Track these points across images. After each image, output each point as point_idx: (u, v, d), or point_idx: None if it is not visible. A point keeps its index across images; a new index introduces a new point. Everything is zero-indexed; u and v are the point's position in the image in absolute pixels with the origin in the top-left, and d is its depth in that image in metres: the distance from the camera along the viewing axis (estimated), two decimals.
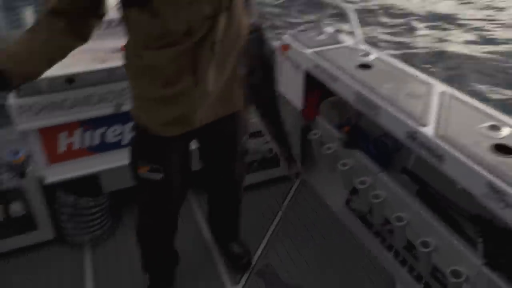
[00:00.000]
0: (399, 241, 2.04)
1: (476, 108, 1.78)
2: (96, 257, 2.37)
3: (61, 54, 1.43)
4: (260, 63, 1.28)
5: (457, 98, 1.87)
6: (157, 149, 1.67)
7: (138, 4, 1.32)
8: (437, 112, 1.75)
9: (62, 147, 2.24)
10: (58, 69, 1.52)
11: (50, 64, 1.41)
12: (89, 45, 1.51)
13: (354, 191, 2.47)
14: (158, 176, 1.69)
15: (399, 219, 1.93)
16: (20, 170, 1.61)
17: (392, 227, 2.03)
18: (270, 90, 1.36)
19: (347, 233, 2.47)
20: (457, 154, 1.52)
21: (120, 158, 2.30)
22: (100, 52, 1.54)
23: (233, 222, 2.28)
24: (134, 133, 1.72)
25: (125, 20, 1.42)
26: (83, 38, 1.47)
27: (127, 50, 1.53)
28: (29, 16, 2.27)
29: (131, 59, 1.53)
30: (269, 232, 2.52)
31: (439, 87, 1.97)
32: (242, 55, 1.31)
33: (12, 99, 2.05)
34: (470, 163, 1.48)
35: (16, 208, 2.27)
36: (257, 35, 1.24)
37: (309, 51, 2.44)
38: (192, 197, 2.75)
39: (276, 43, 2.83)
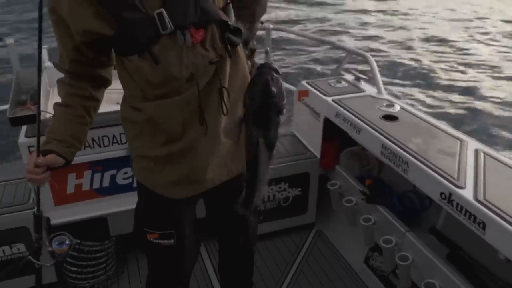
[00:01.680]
0: None
1: None
2: None
3: (96, 107, 1.45)
4: (263, 100, 1.12)
5: (492, 157, 1.74)
6: (166, 213, 1.52)
7: (138, 51, 1.21)
8: (474, 173, 1.62)
9: (70, 188, 2.15)
10: None
11: (89, 125, 1.44)
12: None
13: (374, 249, 2.31)
14: (169, 242, 1.53)
15: (431, 286, 1.77)
16: (60, 258, 1.57)
17: None
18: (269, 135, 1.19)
19: None
20: (500, 222, 1.38)
21: (129, 202, 2.16)
22: (114, 93, 1.46)
23: (244, 277, 2.13)
24: (139, 195, 1.57)
25: (123, 70, 1.31)
26: (107, 83, 1.44)
27: (124, 105, 1.42)
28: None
29: (129, 115, 1.40)
30: (284, 285, 2.35)
31: (472, 143, 1.85)
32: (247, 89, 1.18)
33: (22, 138, 1.98)
34: None
35: (20, 248, 2.17)
36: (264, 70, 1.12)
37: (329, 98, 2.35)
38: (202, 247, 2.61)
39: (292, 89, 2.76)
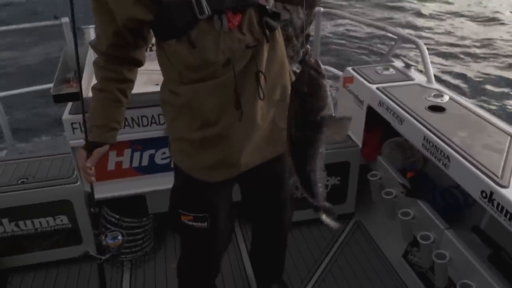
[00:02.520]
0: None
1: None
2: (134, 279, 2.31)
3: (131, 87, 1.50)
4: (303, 104, 1.07)
5: None
6: (201, 196, 1.55)
7: (176, 36, 1.23)
8: None
9: (111, 165, 2.22)
10: None
11: (127, 103, 1.51)
12: (144, 66, 1.49)
13: (414, 243, 2.22)
14: (203, 225, 1.56)
15: (466, 287, 1.67)
16: (114, 252, 1.69)
17: None
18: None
19: None
20: None
21: (168, 181, 2.22)
22: (154, 74, 1.48)
23: (276, 262, 2.13)
24: (176, 177, 1.61)
25: (162, 54, 1.33)
26: (140, 64, 1.47)
27: (163, 89, 1.45)
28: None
29: (167, 99, 1.43)
30: (316, 275, 2.33)
31: None
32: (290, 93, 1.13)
33: (66, 115, 2.06)
34: None
35: (63, 220, 2.29)
36: (306, 73, 1.07)
37: (373, 86, 2.26)
38: (236, 227, 2.63)
39: (339, 74, 2.68)
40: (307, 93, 1.05)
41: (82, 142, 2.06)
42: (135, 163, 2.25)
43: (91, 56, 2.36)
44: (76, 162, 2.16)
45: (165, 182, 2.24)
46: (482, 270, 1.66)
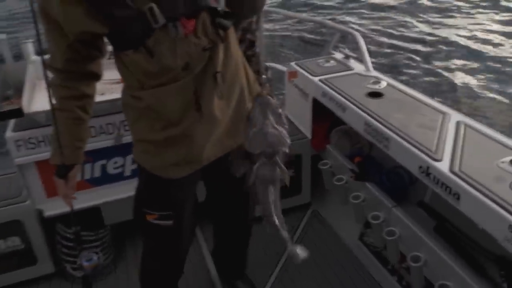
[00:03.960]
0: (417, 283, 1.88)
1: (496, 140, 1.64)
2: None
3: (91, 102, 1.49)
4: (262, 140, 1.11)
5: (474, 129, 1.73)
6: (165, 193, 1.57)
7: (132, 46, 1.24)
8: (453, 145, 1.61)
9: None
10: (53, 102, 1.47)
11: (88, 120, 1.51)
12: None
13: (367, 225, 2.32)
14: (168, 222, 1.58)
15: (416, 259, 1.78)
16: (89, 272, 1.70)
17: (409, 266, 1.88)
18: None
19: (361, 270, 2.32)
20: (474, 192, 1.38)
21: (122, 190, 2.25)
22: (99, 84, 1.49)
23: (239, 258, 2.16)
24: (139, 178, 1.62)
25: (120, 62, 1.34)
26: (98, 77, 1.46)
27: (124, 94, 1.46)
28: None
29: (129, 102, 1.44)
30: (278, 267, 2.38)
31: (455, 116, 1.83)
32: (245, 122, 1.18)
33: (9, 132, 2.01)
34: (489, 203, 1.34)
35: (15, 241, 2.22)
36: (258, 105, 1.11)
37: (316, 78, 2.34)
38: (198, 229, 2.64)
39: (283, 69, 2.75)
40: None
41: (28, 159, 2.06)
42: (87, 175, 2.22)
43: (30, 71, 2.31)
44: (23, 180, 2.12)
45: (119, 191, 2.26)
46: (429, 242, 1.77)
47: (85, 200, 2.24)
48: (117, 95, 1.80)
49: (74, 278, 2.32)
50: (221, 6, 1.32)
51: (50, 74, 1.40)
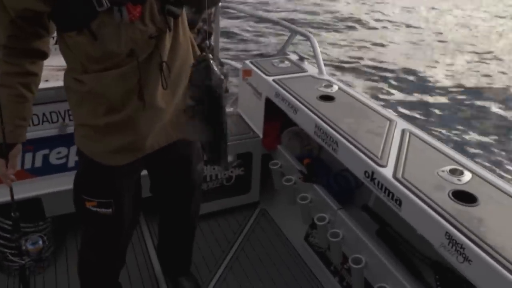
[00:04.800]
0: (357, 284, 1.94)
1: (438, 150, 1.71)
2: (32, 287, 2.17)
3: (36, 81, 1.42)
4: (205, 96, 1.15)
5: (418, 137, 1.80)
6: (105, 181, 1.53)
7: (76, 28, 1.21)
8: (397, 152, 1.67)
9: None
10: None
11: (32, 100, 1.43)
12: None
13: (314, 226, 2.36)
14: (107, 210, 1.55)
15: (357, 261, 1.83)
16: (34, 257, 1.63)
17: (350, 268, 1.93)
18: (215, 124, 1.23)
19: (305, 270, 2.36)
20: (415, 199, 1.44)
21: (65, 182, 2.14)
22: (44, 70, 1.42)
23: (184, 254, 2.14)
24: (79, 163, 1.59)
25: (63, 44, 1.31)
26: (44, 56, 1.40)
27: (67, 76, 1.42)
28: None
29: (71, 85, 1.40)
30: (223, 265, 2.38)
31: (401, 124, 1.90)
32: (187, 86, 1.19)
33: None
34: (428, 210, 1.39)
35: None
36: (202, 65, 1.13)
37: (270, 78, 2.36)
38: (143, 223, 2.59)
39: (238, 67, 2.75)
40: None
41: None
42: (27, 165, 2.12)
43: None
44: None
45: (62, 183, 2.17)
46: (370, 245, 1.83)
47: (25, 190, 2.13)
48: (62, 82, 1.74)
49: (10, 270, 2.21)
50: None
51: None
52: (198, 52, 1.52)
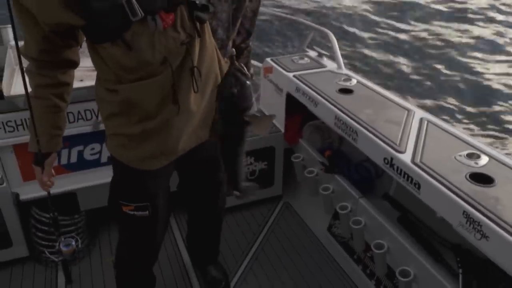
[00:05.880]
0: (380, 269, 2.00)
1: (455, 136, 1.77)
2: (70, 277, 2.30)
3: (69, 90, 1.48)
4: (231, 105, 1.19)
5: (436, 125, 1.85)
6: (141, 185, 1.58)
7: (110, 39, 1.22)
8: (415, 139, 1.73)
9: None
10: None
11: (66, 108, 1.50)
12: None
13: (336, 216, 2.43)
14: (144, 213, 1.61)
15: (379, 246, 1.89)
16: (68, 257, 1.76)
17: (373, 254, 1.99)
18: (236, 135, 1.27)
19: (329, 259, 2.42)
20: (433, 182, 1.50)
21: (98, 177, 2.28)
22: (78, 71, 1.51)
23: (212, 244, 2.23)
24: (114, 170, 1.63)
25: (96, 55, 1.32)
26: (75, 65, 1.45)
27: (99, 87, 1.45)
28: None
29: (104, 96, 1.43)
30: (249, 255, 2.46)
31: (419, 113, 1.96)
32: (217, 94, 1.24)
33: None
34: (446, 191, 1.45)
35: None
36: (232, 76, 1.18)
37: (290, 74, 2.44)
38: (171, 218, 2.70)
39: (259, 65, 2.84)
40: (234, 94, 1.16)
41: (5, 142, 2.07)
42: (64, 161, 2.25)
43: (10, 55, 2.32)
44: (1, 163, 2.13)
45: (95, 177, 2.29)
46: (392, 231, 1.89)
47: (61, 185, 2.26)
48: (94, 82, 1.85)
49: (48, 262, 2.34)
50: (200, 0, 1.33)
51: (26, 61, 1.39)
52: (226, 62, 1.57)
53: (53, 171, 1.58)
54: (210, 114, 1.51)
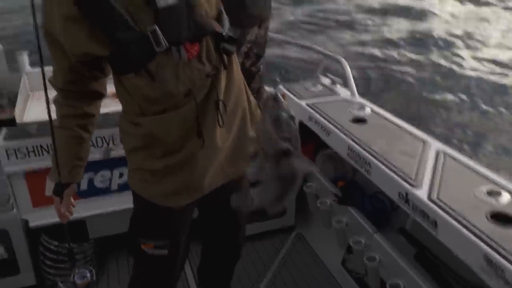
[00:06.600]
0: None
1: (474, 170, 1.69)
2: None
3: (93, 121, 1.47)
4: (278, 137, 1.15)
5: (453, 158, 1.78)
6: (163, 222, 1.52)
7: (134, 69, 1.21)
8: (432, 173, 1.66)
9: (48, 190, 2.17)
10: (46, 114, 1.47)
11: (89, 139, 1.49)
12: None
13: (350, 250, 2.34)
14: (163, 251, 1.54)
15: (395, 286, 1.79)
16: None
17: None
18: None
19: None
20: (451, 221, 1.42)
21: (108, 204, 2.26)
22: None
23: (224, 277, 2.15)
24: (135, 205, 1.57)
25: (120, 86, 1.30)
26: (101, 96, 1.45)
27: (123, 120, 1.42)
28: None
29: (128, 129, 1.40)
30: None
31: (435, 145, 1.88)
32: (260, 126, 1.21)
33: (0, 141, 2.03)
34: (465, 232, 1.37)
35: None
36: (273, 107, 1.16)
37: (303, 102, 2.40)
38: None
39: (272, 91, 2.81)
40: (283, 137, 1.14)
41: (17, 168, 2.07)
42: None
43: (25, 82, 2.35)
44: (11, 189, 2.13)
45: (105, 205, 2.27)
46: (408, 269, 1.79)
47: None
48: (108, 109, 1.84)
49: None
50: (226, 31, 1.30)
51: (40, 87, 1.38)
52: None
53: (72, 200, 1.55)
54: (238, 151, 1.48)
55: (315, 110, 2.28)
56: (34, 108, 2.19)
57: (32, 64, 2.43)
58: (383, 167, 1.73)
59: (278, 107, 1.15)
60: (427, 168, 1.70)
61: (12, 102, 2.19)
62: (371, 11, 11.95)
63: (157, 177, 1.42)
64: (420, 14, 11.60)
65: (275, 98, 1.15)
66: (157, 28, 1.16)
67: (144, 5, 1.16)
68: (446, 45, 9.48)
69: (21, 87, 2.22)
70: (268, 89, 3.09)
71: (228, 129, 1.42)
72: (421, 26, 10.77)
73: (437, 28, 10.59)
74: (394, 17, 11.44)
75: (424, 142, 1.90)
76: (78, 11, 1.14)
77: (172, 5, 1.17)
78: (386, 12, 11.79)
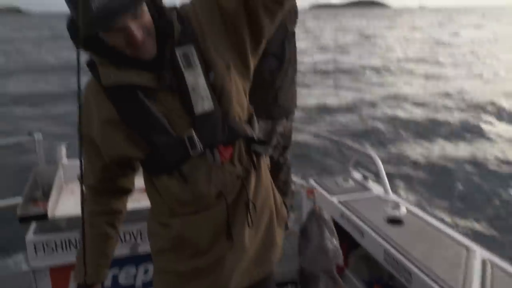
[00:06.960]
0: None
1: None
2: None
3: (121, 217, 1.47)
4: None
5: (501, 268, 1.66)
6: None
7: (167, 171, 1.22)
8: (480, 287, 1.54)
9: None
10: (76, 208, 1.51)
11: (115, 236, 1.47)
12: None
13: None
14: None
15: None
16: None
17: None
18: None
19: None
20: None
21: None
22: None
23: None
24: None
25: (151, 187, 1.31)
26: (129, 192, 1.45)
27: (151, 221, 1.41)
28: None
29: (157, 231, 1.38)
30: None
31: (480, 253, 1.77)
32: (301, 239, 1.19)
33: (30, 235, 2.02)
34: None
35: None
36: (315, 220, 1.14)
37: (334, 198, 2.36)
38: None
39: (302, 183, 2.79)
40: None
41: (42, 264, 2.04)
42: None
43: (60, 174, 2.39)
44: (35, 284, 2.07)
45: None
46: None
47: None
48: (135, 204, 1.82)
49: None
50: (257, 134, 1.33)
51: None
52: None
53: None
54: (265, 251, 1.43)
55: (347, 208, 2.22)
56: (67, 201, 2.20)
57: (68, 156, 2.49)
58: (425, 277, 1.62)
59: (321, 232, 1.12)
60: (474, 280, 1.58)
61: (46, 194, 2.21)
62: None
63: (184, 280, 1.37)
64: None
65: (317, 218, 1.12)
66: (194, 133, 1.18)
67: (182, 111, 1.19)
68: None
69: (56, 180, 2.25)
70: (297, 180, 3.08)
71: (256, 229, 1.39)
72: None
73: None
74: None
75: (467, 248, 1.80)
76: (117, 115, 1.18)
77: (209, 111, 1.19)
78: None
